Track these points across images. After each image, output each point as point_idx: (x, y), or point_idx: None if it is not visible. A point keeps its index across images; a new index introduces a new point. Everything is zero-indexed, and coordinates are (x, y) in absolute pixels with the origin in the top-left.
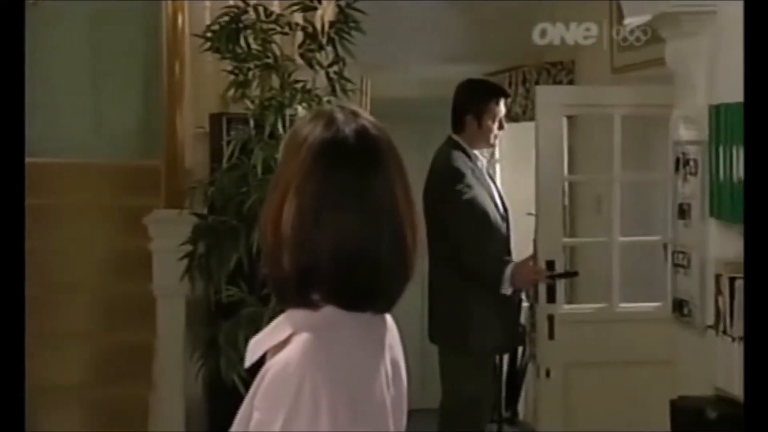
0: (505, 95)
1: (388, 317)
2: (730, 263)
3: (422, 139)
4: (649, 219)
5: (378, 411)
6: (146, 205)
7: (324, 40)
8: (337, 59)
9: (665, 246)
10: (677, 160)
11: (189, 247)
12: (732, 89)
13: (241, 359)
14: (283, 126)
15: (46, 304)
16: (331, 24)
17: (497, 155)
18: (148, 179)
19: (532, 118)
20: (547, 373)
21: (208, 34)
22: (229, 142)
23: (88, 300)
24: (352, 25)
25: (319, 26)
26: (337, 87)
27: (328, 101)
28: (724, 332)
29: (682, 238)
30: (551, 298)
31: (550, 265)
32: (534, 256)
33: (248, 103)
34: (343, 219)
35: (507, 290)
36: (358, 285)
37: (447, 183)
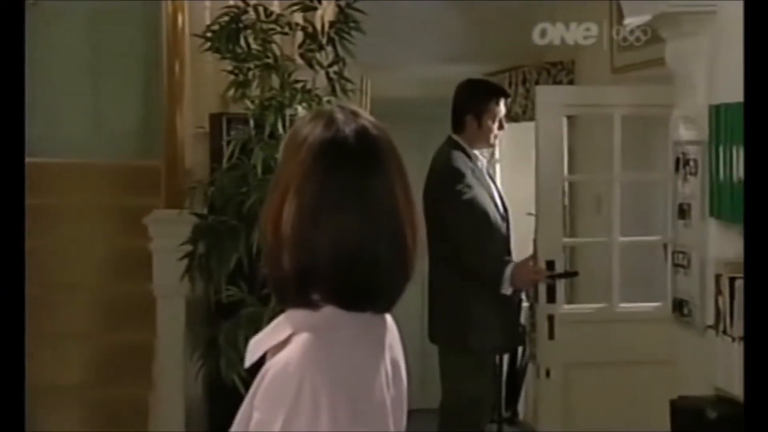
0: (505, 95)
1: (388, 317)
2: (729, 263)
3: (422, 139)
4: (649, 219)
5: (378, 411)
6: (146, 205)
7: (324, 40)
8: (337, 59)
9: (665, 246)
10: (677, 160)
11: (189, 247)
12: (732, 89)
13: (241, 359)
14: (283, 126)
15: (45, 304)
16: (331, 24)
17: (497, 155)
18: (148, 179)
19: (532, 118)
20: (547, 373)
21: (208, 34)
22: (229, 142)
23: (88, 300)
24: (352, 25)
25: (319, 26)
26: (337, 87)
27: (328, 101)
28: (724, 332)
29: (682, 238)
30: (551, 298)
31: (550, 265)
32: (534, 256)
33: (248, 103)
34: (343, 219)
35: (507, 290)
36: (357, 285)
37: (447, 183)
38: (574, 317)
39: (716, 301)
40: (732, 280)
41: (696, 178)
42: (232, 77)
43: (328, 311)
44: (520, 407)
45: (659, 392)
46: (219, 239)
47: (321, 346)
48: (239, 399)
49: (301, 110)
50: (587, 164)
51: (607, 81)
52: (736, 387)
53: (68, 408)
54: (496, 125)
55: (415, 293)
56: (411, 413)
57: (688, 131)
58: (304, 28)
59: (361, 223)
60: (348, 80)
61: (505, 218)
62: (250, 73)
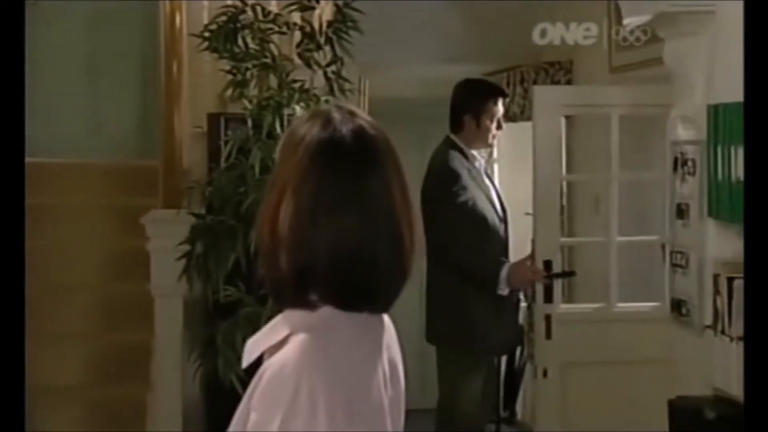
0: (504, 95)
1: (386, 317)
2: (728, 263)
3: (420, 139)
4: (647, 219)
5: (375, 411)
6: (144, 205)
7: (322, 40)
8: (335, 59)
9: (663, 246)
10: (675, 160)
11: (187, 247)
12: (730, 89)
13: (239, 359)
14: (281, 126)
15: (44, 304)
16: (329, 24)
17: (495, 155)
18: (145, 179)
19: (530, 118)
20: (545, 373)
21: (206, 34)
22: (226, 142)
23: (86, 300)
24: (350, 24)
25: (317, 26)
26: (335, 87)
27: (326, 101)
28: (723, 332)
29: (681, 238)
30: (549, 298)
31: (548, 264)
32: (532, 256)
33: (246, 102)
34: (341, 219)
35: (504, 291)
36: (355, 285)
37: (443, 184)
38: (571, 317)
39: (714, 301)
40: (730, 280)
41: (694, 177)
42: (229, 77)
43: (326, 311)
44: (518, 407)
45: (657, 392)
46: (217, 239)
47: (318, 347)
48: (237, 399)
49: (299, 110)
50: (585, 164)
51: (605, 81)
52: (734, 387)
53: (67, 408)
54: (494, 125)
55: (413, 293)
56: (409, 413)
57: (687, 131)
58: (302, 28)
59: (358, 223)
60: (346, 80)
61: (503, 218)
62: (248, 73)
